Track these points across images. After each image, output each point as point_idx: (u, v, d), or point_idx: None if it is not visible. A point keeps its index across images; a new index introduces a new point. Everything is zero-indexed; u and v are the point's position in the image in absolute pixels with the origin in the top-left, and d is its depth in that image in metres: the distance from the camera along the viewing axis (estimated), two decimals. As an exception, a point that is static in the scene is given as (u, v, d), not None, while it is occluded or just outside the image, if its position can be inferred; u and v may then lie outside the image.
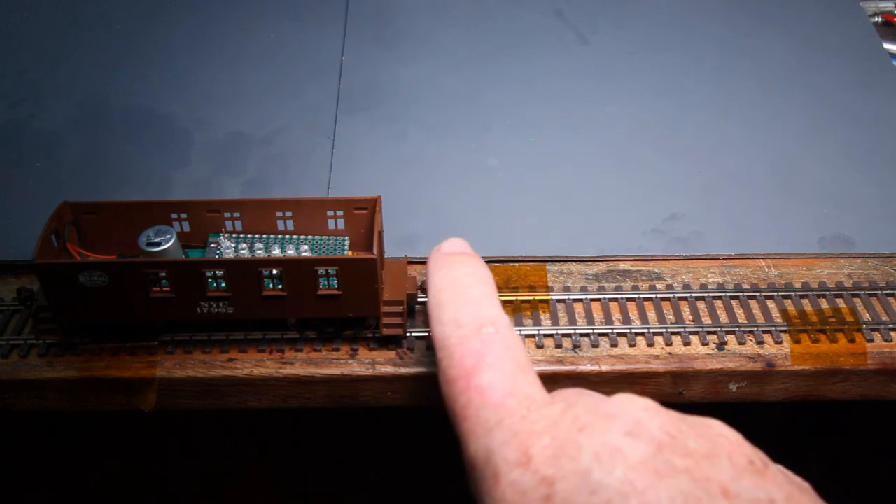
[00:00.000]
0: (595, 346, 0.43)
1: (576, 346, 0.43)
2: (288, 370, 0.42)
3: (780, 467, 0.29)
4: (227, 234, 0.42)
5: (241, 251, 0.42)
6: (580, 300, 0.45)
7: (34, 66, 0.60)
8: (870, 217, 0.49)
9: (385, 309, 0.41)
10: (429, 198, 0.50)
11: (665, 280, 0.46)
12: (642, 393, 0.42)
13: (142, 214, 0.41)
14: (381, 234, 0.40)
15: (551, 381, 0.42)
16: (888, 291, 0.45)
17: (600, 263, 0.47)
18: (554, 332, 0.43)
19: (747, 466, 0.27)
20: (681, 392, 0.43)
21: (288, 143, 0.54)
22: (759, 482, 0.27)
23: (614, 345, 0.43)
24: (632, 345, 0.43)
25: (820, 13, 0.65)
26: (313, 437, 0.82)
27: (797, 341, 0.43)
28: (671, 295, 0.45)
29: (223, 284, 0.38)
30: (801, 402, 0.43)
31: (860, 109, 0.57)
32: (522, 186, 0.51)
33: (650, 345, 0.43)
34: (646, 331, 0.43)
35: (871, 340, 0.43)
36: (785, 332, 0.43)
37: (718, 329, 0.43)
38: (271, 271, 0.38)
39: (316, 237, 0.42)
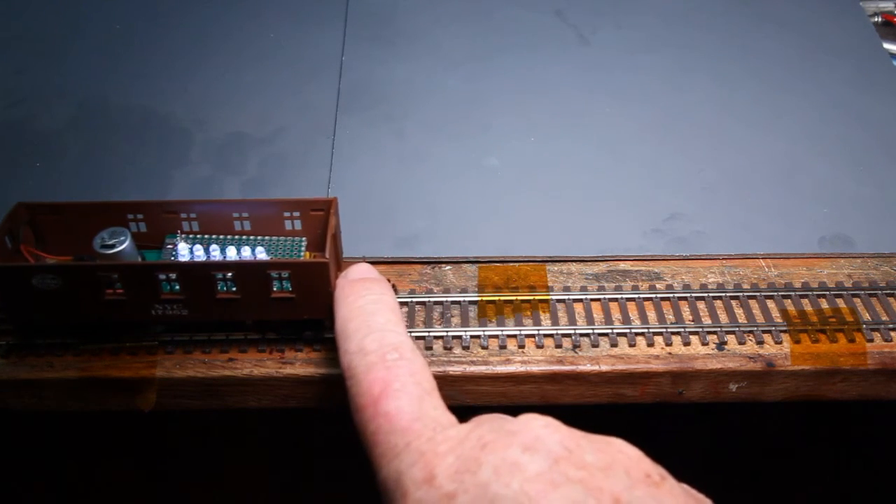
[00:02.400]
0: (595, 346, 0.43)
1: (576, 346, 0.43)
2: (288, 370, 0.42)
3: (682, 484, 0.30)
4: (183, 236, 0.42)
5: (197, 253, 0.41)
6: (580, 300, 0.45)
7: (34, 66, 0.60)
8: (870, 217, 0.49)
9: None
10: (429, 198, 0.50)
11: (665, 280, 0.46)
12: (642, 393, 0.43)
13: (99, 215, 0.41)
14: (335, 237, 0.40)
15: (551, 381, 0.42)
16: (888, 291, 0.45)
17: (600, 263, 0.47)
18: (554, 332, 0.43)
19: (643, 479, 0.28)
20: (681, 392, 0.43)
21: (288, 143, 0.54)
22: (653, 493, 0.28)
23: (614, 345, 0.43)
24: (632, 345, 0.43)
25: (820, 13, 0.65)
26: (313, 437, 0.82)
27: (797, 341, 0.43)
28: (671, 295, 0.45)
29: (177, 287, 0.38)
30: (801, 402, 0.44)
31: (860, 109, 0.57)
32: (522, 186, 0.51)
33: (650, 345, 0.43)
34: (646, 331, 0.43)
35: (871, 340, 0.43)
36: (785, 332, 0.43)
37: (718, 329, 0.43)
38: (225, 274, 0.38)
39: (273, 238, 0.42)
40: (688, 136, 0.55)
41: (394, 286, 0.45)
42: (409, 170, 0.52)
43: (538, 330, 0.43)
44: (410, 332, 0.43)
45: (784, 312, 0.44)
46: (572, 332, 0.43)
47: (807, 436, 0.79)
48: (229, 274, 0.38)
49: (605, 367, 0.42)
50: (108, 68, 0.60)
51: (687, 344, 0.43)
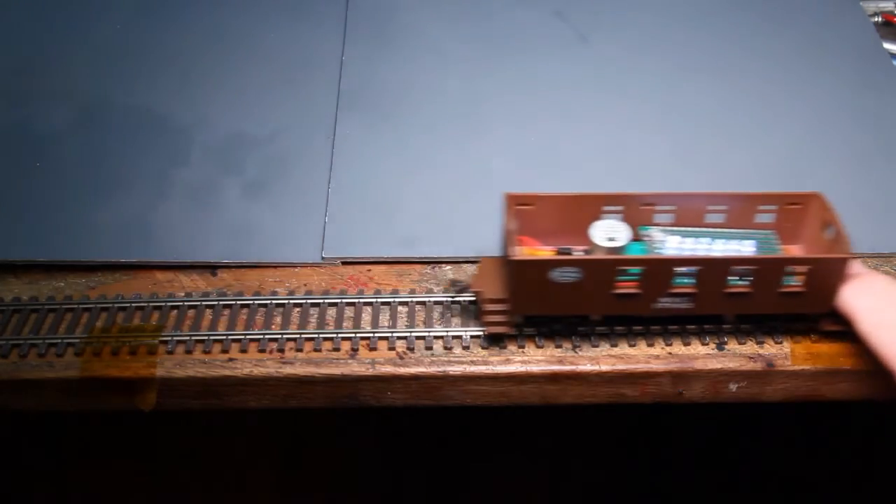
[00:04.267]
0: (595, 346, 0.43)
1: (576, 346, 0.43)
2: (288, 370, 0.42)
3: None
4: (658, 228, 0.42)
5: (685, 246, 0.41)
6: (580, 300, 0.45)
7: (34, 66, 0.60)
8: (870, 217, 0.49)
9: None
10: (429, 197, 0.50)
11: (665, 280, 0.46)
12: (642, 393, 0.43)
13: (572, 206, 0.41)
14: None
15: (551, 381, 0.42)
16: (888, 291, 0.45)
17: (600, 263, 0.47)
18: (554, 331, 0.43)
19: None
20: (681, 392, 0.43)
21: (288, 143, 0.54)
22: None
23: (614, 345, 0.43)
24: (632, 345, 0.43)
25: (820, 13, 0.65)
26: (313, 437, 0.82)
27: (797, 341, 0.43)
28: (671, 295, 0.45)
29: (687, 280, 0.39)
30: (801, 402, 0.43)
31: (860, 109, 0.57)
32: (523, 186, 0.51)
33: (650, 345, 0.43)
34: (646, 331, 0.43)
35: (872, 340, 0.43)
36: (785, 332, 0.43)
37: (719, 329, 0.43)
38: (736, 268, 0.38)
39: (744, 231, 0.42)
40: (688, 136, 0.55)
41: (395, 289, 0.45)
42: (409, 169, 0.52)
43: (538, 330, 0.43)
44: (411, 331, 0.43)
45: (784, 312, 0.44)
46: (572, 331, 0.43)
47: (807, 436, 0.79)
48: (744, 268, 0.38)
49: (605, 367, 0.42)
50: (108, 68, 0.60)
51: (687, 344, 0.43)
